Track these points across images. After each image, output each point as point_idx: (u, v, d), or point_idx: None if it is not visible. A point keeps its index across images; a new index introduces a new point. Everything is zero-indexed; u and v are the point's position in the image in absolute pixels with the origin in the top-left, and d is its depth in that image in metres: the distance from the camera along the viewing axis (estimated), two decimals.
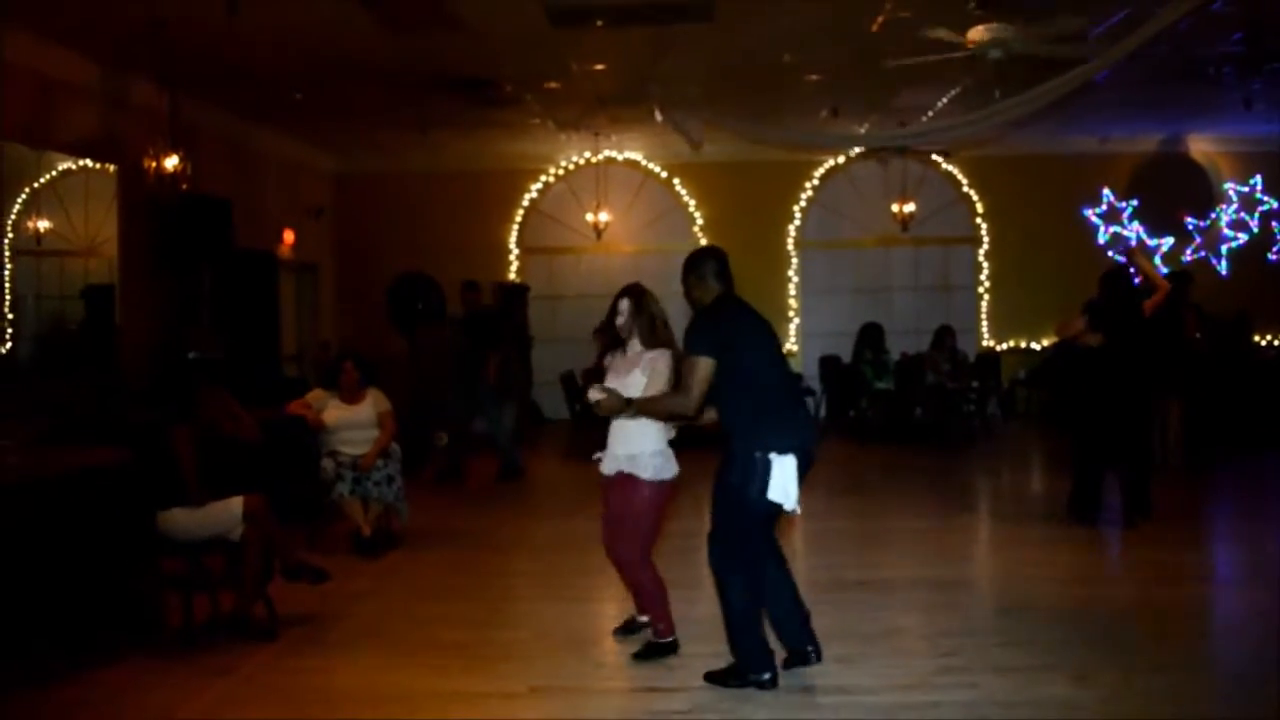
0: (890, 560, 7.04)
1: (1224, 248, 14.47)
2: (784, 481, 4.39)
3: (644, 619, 5.22)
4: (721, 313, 4.62)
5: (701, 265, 4.72)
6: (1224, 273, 14.31)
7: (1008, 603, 6.06)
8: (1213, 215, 14.48)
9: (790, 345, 14.63)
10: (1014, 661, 4.92)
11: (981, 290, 14.80)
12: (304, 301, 13.92)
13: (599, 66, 9.73)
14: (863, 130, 12.78)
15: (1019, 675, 4.75)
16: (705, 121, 11.66)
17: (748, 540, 4.53)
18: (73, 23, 7.94)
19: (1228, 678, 4.91)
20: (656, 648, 5.03)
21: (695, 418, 4.58)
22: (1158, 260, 14.22)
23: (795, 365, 14.39)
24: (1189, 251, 14.38)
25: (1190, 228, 14.45)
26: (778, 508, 4.46)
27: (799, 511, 4.53)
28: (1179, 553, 7.08)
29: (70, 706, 4.58)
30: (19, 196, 8.72)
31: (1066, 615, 5.70)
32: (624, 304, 5.03)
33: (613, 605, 5.87)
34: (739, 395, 4.50)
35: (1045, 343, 14.41)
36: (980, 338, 14.70)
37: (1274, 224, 14.44)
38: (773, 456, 4.38)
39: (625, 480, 4.94)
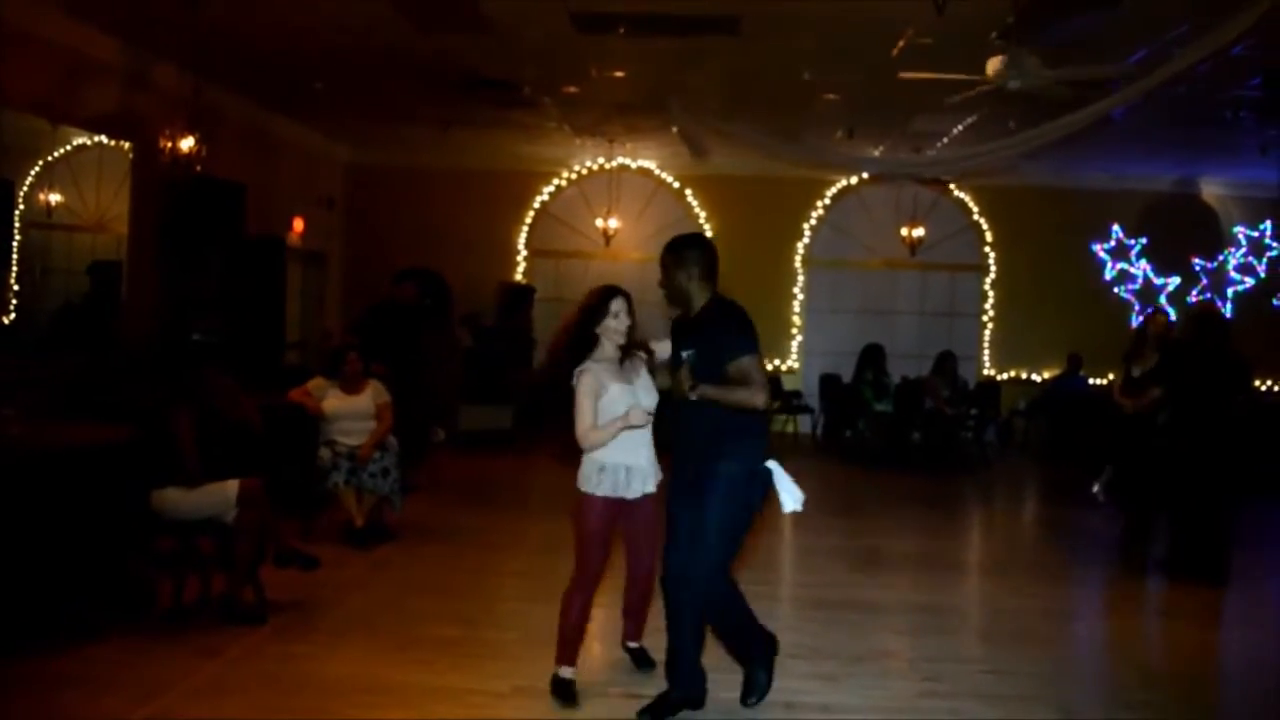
0: (879, 582, 7.04)
1: (1230, 290, 14.49)
2: (789, 486, 4.32)
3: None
4: (746, 315, 4.35)
5: (687, 257, 4.39)
6: (1228, 315, 14.31)
7: (995, 631, 6.08)
8: (1220, 257, 14.51)
9: (792, 362, 14.67)
10: (998, 690, 4.93)
11: (986, 319, 14.82)
12: (310, 290, 13.94)
13: (619, 74, 9.77)
14: (877, 152, 12.81)
15: (1002, 703, 4.76)
16: (720, 133, 11.70)
17: (726, 563, 4.39)
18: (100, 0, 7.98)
19: None
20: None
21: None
22: (1163, 299, 14.28)
23: (795, 382, 14.44)
24: (1194, 292, 14.41)
25: (1197, 268, 14.48)
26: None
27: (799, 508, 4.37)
28: (1171, 591, 7.09)
29: (56, 681, 4.59)
30: (32, 169, 8.75)
31: (1054, 648, 5.71)
32: (621, 304, 4.51)
33: (601, 610, 5.85)
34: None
35: (1046, 375, 14.43)
36: (981, 366, 14.71)
37: None
38: (771, 465, 4.31)
39: (650, 499, 4.64)
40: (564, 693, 4.58)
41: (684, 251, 4.41)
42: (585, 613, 4.62)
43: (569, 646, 4.62)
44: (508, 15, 8.06)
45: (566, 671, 4.63)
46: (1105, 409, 8.41)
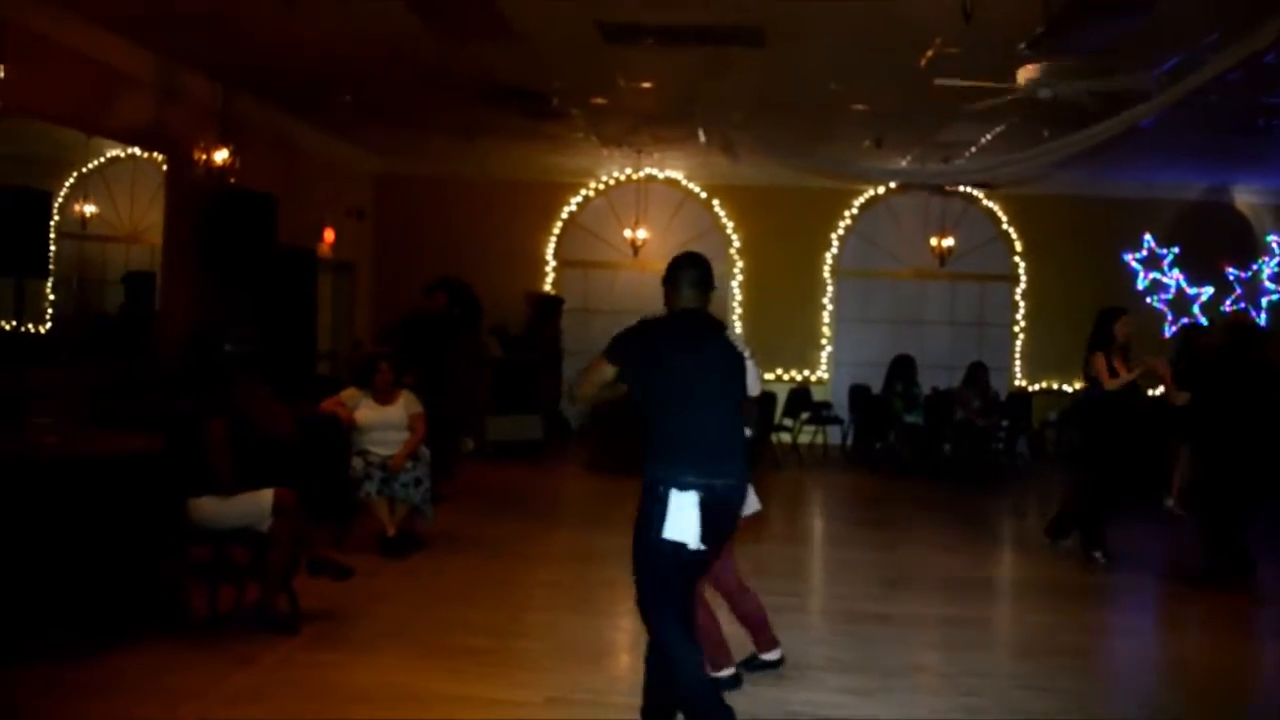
0: (912, 596, 6.99)
1: (1265, 300, 14.34)
2: (681, 518, 3.90)
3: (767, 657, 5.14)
4: (656, 325, 4.21)
5: (677, 273, 4.31)
6: (1263, 325, 14.16)
7: (1029, 646, 6.01)
8: (1254, 267, 14.37)
9: (821, 373, 14.62)
10: (1032, 706, 4.88)
11: (1016, 329, 14.72)
12: (340, 300, 14.02)
13: (646, 84, 9.78)
14: (904, 163, 12.77)
15: None
16: (746, 147, 11.69)
17: (661, 587, 4.02)
18: (134, 13, 8.06)
19: None
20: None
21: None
22: (1196, 309, 14.14)
23: (825, 393, 14.36)
24: (1229, 302, 14.26)
25: (1231, 278, 14.33)
26: (687, 552, 3.94)
27: (703, 549, 3.96)
28: (1205, 603, 7.01)
29: (90, 689, 4.63)
30: (67, 180, 8.85)
31: (1088, 663, 5.65)
32: None
33: (631, 620, 5.85)
34: (653, 419, 4.04)
35: (1078, 385, 14.30)
36: (1013, 377, 14.60)
37: None
38: (672, 491, 3.92)
39: None
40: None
41: (674, 273, 4.35)
42: (750, 600, 5.09)
43: (754, 632, 5.14)
44: (535, 26, 8.09)
45: (768, 655, 5.16)
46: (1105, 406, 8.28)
